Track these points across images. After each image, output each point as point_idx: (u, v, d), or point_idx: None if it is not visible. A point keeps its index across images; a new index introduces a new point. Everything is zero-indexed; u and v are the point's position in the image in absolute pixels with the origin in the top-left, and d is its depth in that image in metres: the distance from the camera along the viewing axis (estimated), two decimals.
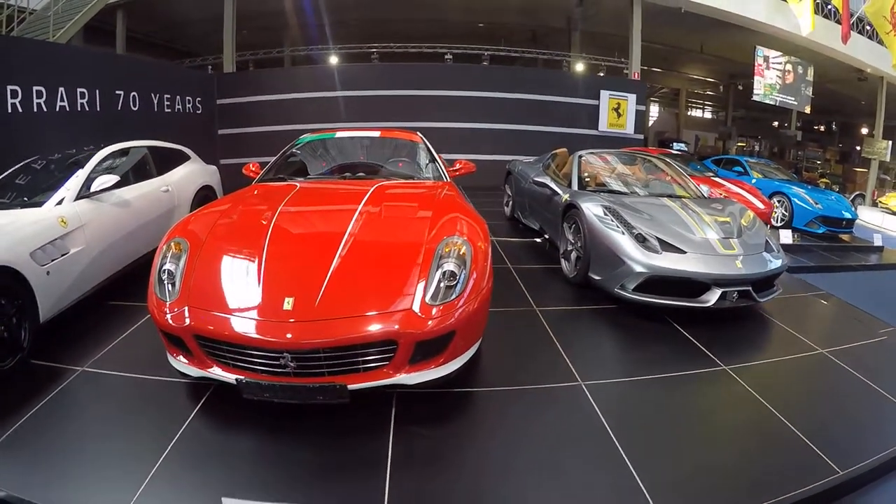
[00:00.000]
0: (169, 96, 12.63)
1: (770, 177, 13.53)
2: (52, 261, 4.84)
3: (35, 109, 8.59)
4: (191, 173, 7.91)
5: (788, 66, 21.08)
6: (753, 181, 12.80)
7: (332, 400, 3.21)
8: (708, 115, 39.82)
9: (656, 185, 6.98)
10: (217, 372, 3.39)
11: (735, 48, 22.31)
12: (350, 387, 3.17)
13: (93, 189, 5.65)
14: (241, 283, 3.49)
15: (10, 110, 8.10)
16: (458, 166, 6.06)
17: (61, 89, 9.13)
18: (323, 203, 4.78)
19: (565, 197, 6.58)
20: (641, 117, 16.84)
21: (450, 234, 3.75)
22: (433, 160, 5.88)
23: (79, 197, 5.53)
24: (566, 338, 4.73)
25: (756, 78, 20.54)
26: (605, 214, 5.56)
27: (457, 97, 15.62)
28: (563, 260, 6.54)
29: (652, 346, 4.79)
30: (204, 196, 7.94)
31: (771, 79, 20.83)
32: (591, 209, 5.73)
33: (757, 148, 34.35)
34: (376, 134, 6.68)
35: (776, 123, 33.56)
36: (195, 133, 11.54)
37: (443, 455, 3.28)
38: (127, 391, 4.07)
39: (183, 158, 7.98)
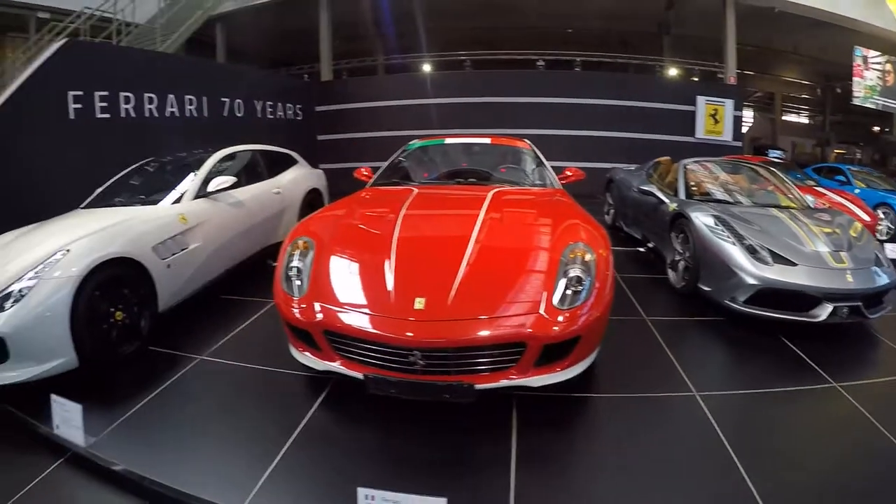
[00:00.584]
0: (271, 103, 13.12)
1: (874, 187, 12.77)
2: (173, 255, 5.21)
3: (146, 115, 9.12)
4: (299, 176, 8.22)
5: (889, 67, 19.73)
6: (857, 191, 12.06)
7: (458, 399, 3.26)
8: (804, 119, 37.91)
9: (761, 195, 6.77)
10: (342, 367, 3.52)
11: (831, 48, 21.18)
12: (477, 386, 3.23)
13: (210, 189, 6.00)
14: (371, 282, 3.61)
15: (122, 115, 8.61)
16: (568, 174, 6.07)
17: (171, 96, 9.64)
18: (444, 207, 4.90)
19: (672, 206, 6.50)
20: (739, 123, 16.16)
21: (574, 240, 3.81)
22: (543, 167, 5.94)
23: (197, 196, 5.90)
24: (677, 348, 4.71)
25: (855, 80, 19.39)
26: (716, 225, 5.48)
27: (550, 104, 15.49)
28: (669, 270, 6.49)
29: (761, 359, 4.69)
30: (312, 199, 8.27)
31: (871, 80, 19.63)
32: (702, 219, 5.65)
33: (858, 155, 32.74)
34: (486, 140, 6.70)
35: (878, 128, 31.64)
36: (297, 138, 11.90)
37: (563, 457, 3.34)
38: (246, 380, 4.32)
39: (291, 162, 8.31)
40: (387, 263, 3.66)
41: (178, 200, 5.79)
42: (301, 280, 3.77)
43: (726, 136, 15.77)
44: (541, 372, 3.37)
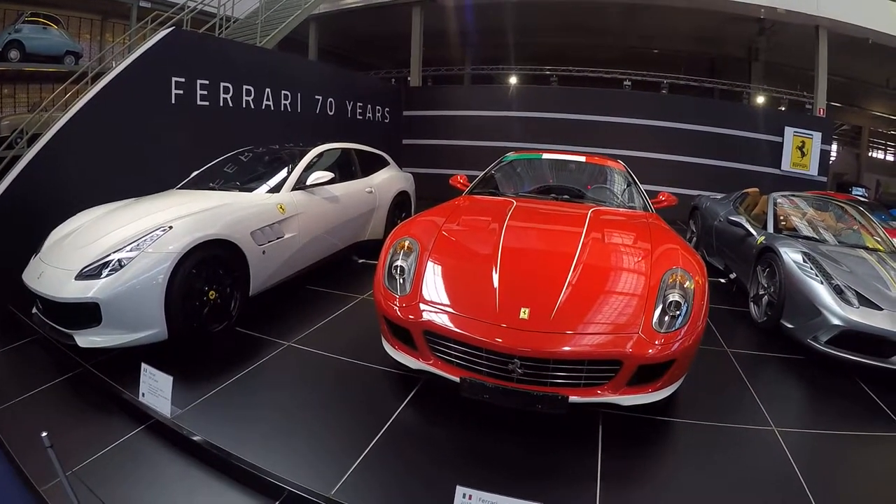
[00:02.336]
0: (361, 104, 13.32)
1: None
2: (269, 242, 5.37)
3: (243, 106, 9.33)
4: (391, 178, 8.36)
5: None
6: None
7: (550, 410, 3.29)
8: (890, 157, 36.05)
9: (849, 235, 6.54)
10: (437, 368, 3.59)
11: None
12: (570, 399, 3.27)
13: (308, 182, 6.14)
14: (476, 288, 3.67)
15: (221, 104, 8.84)
16: (661, 198, 6.01)
17: (268, 90, 9.86)
18: (545, 222, 4.91)
19: (760, 239, 6.34)
20: (826, 158, 15.32)
21: (673, 265, 3.82)
22: (637, 190, 5.92)
23: (295, 188, 6.04)
24: (758, 382, 4.64)
25: None
26: (805, 262, 5.34)
27: (633, 125, 15.21)
28: (752, 303, 6.29)
29: (838, 400, 4.58)
30: (400, 201, 8.44)
31: None
32: (790, 255, 5.51)
33: None
34: (581, 159, 6.66)
35: None
36: (383, 141, 12.00)
37: (645, 477, 3.35)
38: (333, 370, 4.42)
39: (384, 163, 8.46)
40: (492, 271, 3.74)
41: (276, 190, 5.96)
42: (404, 279, 3.85)
43: (812, 170, 15.03)
44: (632, 391, 3.40)
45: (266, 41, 11.98)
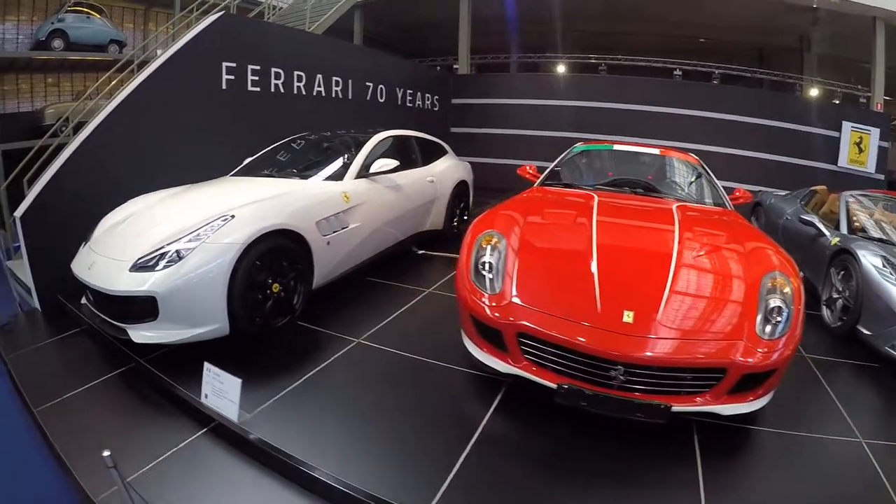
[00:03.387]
0: (411, 92, 13.06)
1: None
2: (334, 232, 5.16)
3: (294, 92, 9.12)
4: (451, 167, 8.12)
5: None
6: None
7: (650, 419, 3.13)
8: None
9: None
10: (530, 373, 3.40)
11: None
12: (673, 408, 3.12)
13: (372, 170, 5.91)
14: (574, 288, 3.46)
15: (272, 90, 8.64)
16: (737, 194, 5.79)
17: (319, 76, 9.63)
18: (634, 218, 4.69)
19: (834, 240, 6.02)
20: (884, 155, 14.50)
21: (771, 268, 3.64)
22: (715, 185, 5.72)
23: (358, 176, 5.81)
24: (838, 389, 4.37)
25: None
26: (884, 266, 5.02)
27: (684, 115, 14.76)
28: (824, 307, 5.91)
29: None
30: (460, 191, 8.18)
31: None
32: (869, 258, 5.19)
33: None
34: (655, 151, 6.43)
35: None
36: (432, 129, 11.54)
37: (745, 488, 3.16)
38: (408, 371, 4.20)
39: (442, 152, 8.22)
40: (589, 270, 3.54)
41: (338, 178, 5.75)
42: (493, 276, 3.62)
43: (869, 167, 14.24)
44: (732, 401, 3.24)
45: (315, 27, 11.83)
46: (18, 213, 5.46)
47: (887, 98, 21.31)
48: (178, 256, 4.11)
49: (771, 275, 3.54)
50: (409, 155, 7.24)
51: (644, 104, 14.83)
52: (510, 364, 3.44)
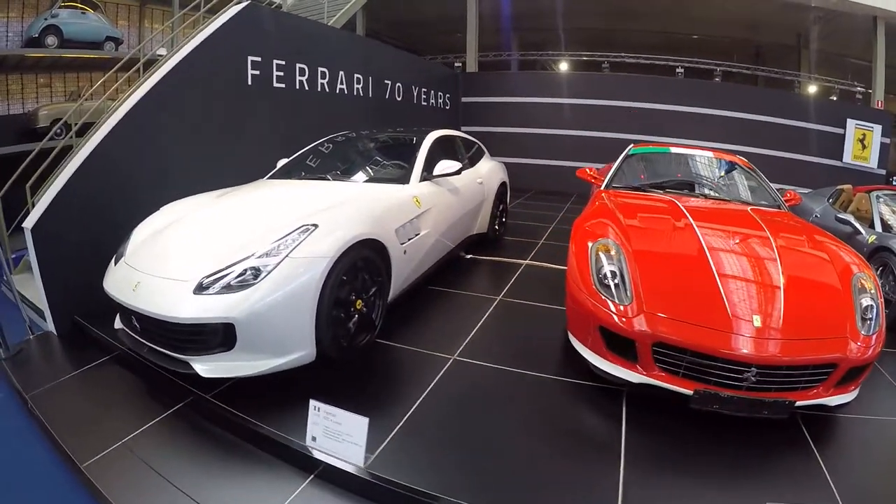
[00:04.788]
0: (425, 90, 12.47)
1: None
2: (409, 240, 4.59)
3: (318, 89, 8.41)
4: (493, 168, 7.52)
5: None
6: None
7: (775, 415, 3.19)
8: None
9: None
10: (664, 381, 3.31)
11: None
12: (797, 403, 3.18)
13: (435, 172, 5.33)
14: (701, 295, 3.42)
15: (297, 86, 7.94)
16: (788, 196, 5.64)
17: (341, 73, 8.94)
18: (724, 223, 4.55)
19: (871, 238, 6.06)
20: (886, 151, 14.44)
21: (855, 269, 3.74)
22: (770, 187, 5.68)
23: (422, 179, 5.22)
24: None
25: None
26: None
27: (692, 114, 14.52)
28: None
29: None
30: (501, 192, 7.58)
31: None
32: None
33: None
34: (709, 154, 6.37)
35: None
36: (444, 127, 11.01)
37: (869, 472, 3.20)
38: (520, 388, 3.81)
39: (482, 152, 7.57)
40: (711, 277, 3.53)
41: (402, 181, 5.11)
42: (620, 286, 3.49)
43: (872, 162, 14.13)
44: (838, 392, 3.32)
45: (333, 21, 11.02)
46: (29, 223, 4.63)
47: (892, 95, 21.45)
48: (256, 274, 3.38)
49: (859, 276, 3.65)
50: (457, 156, 6.55)
51: (657, 102, 14.56)
52: (642, 373, 3.35)
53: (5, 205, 5.99)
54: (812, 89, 19.65)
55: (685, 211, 4.49)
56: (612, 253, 3.68)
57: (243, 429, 3.26)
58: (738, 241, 4.14)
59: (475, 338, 4.50)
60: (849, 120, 14.25)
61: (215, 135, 6.37)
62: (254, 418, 3.27)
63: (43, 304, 4.77)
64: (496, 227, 7.59)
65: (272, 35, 7.32)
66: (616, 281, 3.50)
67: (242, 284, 3.32)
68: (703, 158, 6.35)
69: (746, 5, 16.92)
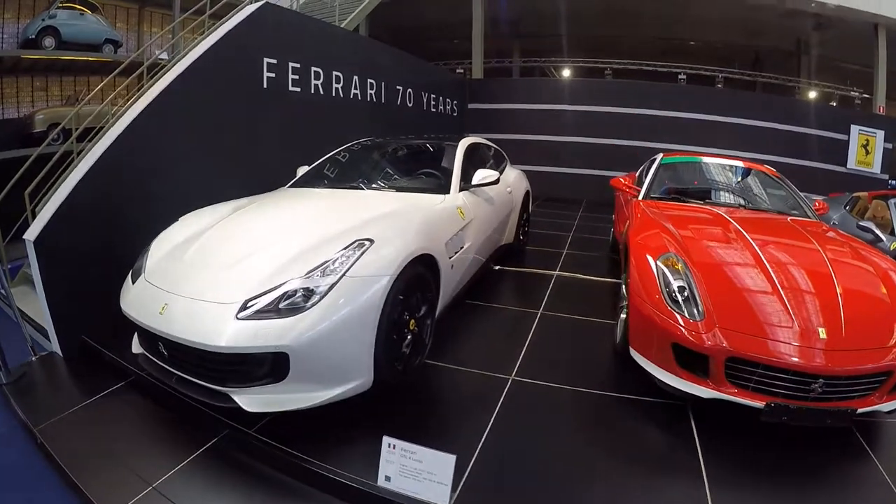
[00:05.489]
0: (435, 96, 12.12)
1: None
2: (455, 254, 4.29)
3: (333, 94, 7.99)
4: (518, 176, 7.18)
5: None
6: None
7: (837, 423, 3.20)
8: None
9: None
10: (736, 395, 3.26)
11: None
12: (858, 411, 3.19)
13: (474, 182, 5.01)
14: (767, 309, 3.39)
15: (312, 90, 7.50)
16: (817, 206, 5.70)
17: (355, 77, 8.54)
18: (773, 234, 4.58)
19: (893, 245, 6.13)
20: (888, 156, 14.71)
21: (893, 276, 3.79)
22: (799, 197, 5.69)
23: (461, 189, 4.89)
24: None
25: None
26: None
27: (699, 120, 14.40)
28: None
29: None
30: (526, 201, 7.31)
31: None
32: None
33: None
34: (739, 164, 6.40)
35: None
36: (451, 134, 10.67)
37: None
38: (587, 409, 3.64)
39: (505, 160, 7.21)
40: (776, 290, 3.52)
41: (443, 191, 4.75)
42: (691, 301, 3.44)
43: (875, 167, 14.47)
44: (892, 398, 3.31)
45: (345, 24, 10.55)
46: (31, 235, 4.12)
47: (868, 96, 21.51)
48: (308, 295, 2.96)
49: None
50: (486, 164, 6.19)
51: (664, 109, 14.45)
52: (713, 389, 3.30)
53: (8, 213, 5.55)
54: (812, 95, 19.78)
55: (733, 222, 4.53)
56: (679, 267, 3.65)
57: (297, 468, 2.86)
58: (791, 252, 4.14)
59: (527, 355, 4.27)
60: (852, 126, 14.35)
61: (229, 141, 5.96)
62: (305, 454, 2.88)
63: (46, 322, 4.29)
64: (521, 237, 7.25)
65: (288, 36, 6.91)
66: (685, 296, 3.46)
67: (293, 307, 2.91)
68: (735, 168, 6.35)
69: (747, 12, 16.78)
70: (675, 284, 3.52)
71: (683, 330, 3.32)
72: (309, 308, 2.89)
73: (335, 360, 2.99)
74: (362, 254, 3.16)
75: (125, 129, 4.79)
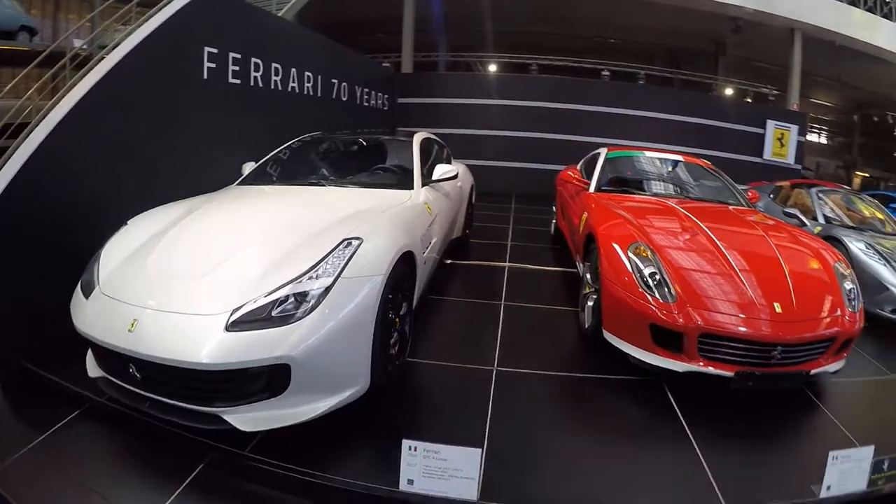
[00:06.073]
0: (367, 90, 11.72)
1: None
2: (426, 250, 4.27)
3: (272, 87, 7.55)
4: (464, 170, 7.08)
5: None
6: None
7: (792, 385, 3.72)
8: (823, 140, 36.57)
9: (877, 224, 7.25)
10: (709, 367, 3.56)
11: (872, 79, 21.40)
12: (811, 372, 3.66)
13: (435, 177, 4.94)
14: (729, 288, 3.75)
15: (251, 83, 7.03)
16: (751, 195, 6.23)
17: (293, 70, 8.10)
18: (720, 222, 4.90)
19: (816, 230, 6.85)
20: (801, 148, 15.94)
21: (832, 256, 4.28)
22: (735, 188, 6.12)
23: (423, 184, 4.80)
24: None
25: None
26: (868, 248, 6.05)
27: (627, 115, 14.70)
28: None
29: None
30: (471, 195, 7.35)
31: None
32: (855, 243, 6.16)
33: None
34: (679, 158, 6.76)
35: None
36: (382, 128, 10.50)
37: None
38: (565, 389, 3.83)
39: (449, 154, 7.09)
40: (734, 272, 3.87)
41: (405, 186, 4.63)
42: (662, 285, 3.74)
43: (790, 158, 15.58)
44: (835, 360, 3.79)
45: (282, 14, 10.07)
46: None
47: (779, 91, 22.59)
48: (300, 300, 2.75)
49: (837, 264, 4.18)
50: (438, 158, 6.10)
51: (591, 104, 14.78)
52: (687, 362, 3.61)
53: None
54: (728, 91, 20.93)
55: (684, 212, 4.94)
56: (648, 255, 3.93)
57: (306, 484, 2.63)
58: (740, 238, 4.55)
59: (503, 345, 4.35)
60: (769, 121, 15.40)
61: (171, 135, 5.49)
62: (310, 469, 2.67)
63: None
64: (467, 230, 7.23)
65: (229, 24, 6.52)
66: (657, 280, 3.75)
67: (288, 314, 2.69)
68: (675, 162, 6.70)
69: (671, 15, 17.38)
70: (647, 271, 3.81)
71: (659, 312, 3.61)
72: (306, 314, 2.69)
73: (337, 366, 2.83)
74: (353, 253, 3.00)
75: (56, 125, 4.18)
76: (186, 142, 5.69)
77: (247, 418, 2.67)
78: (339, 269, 2.88)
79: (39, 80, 6.49)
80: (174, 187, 4.52)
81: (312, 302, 2.73)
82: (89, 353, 3.15)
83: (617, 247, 4.08)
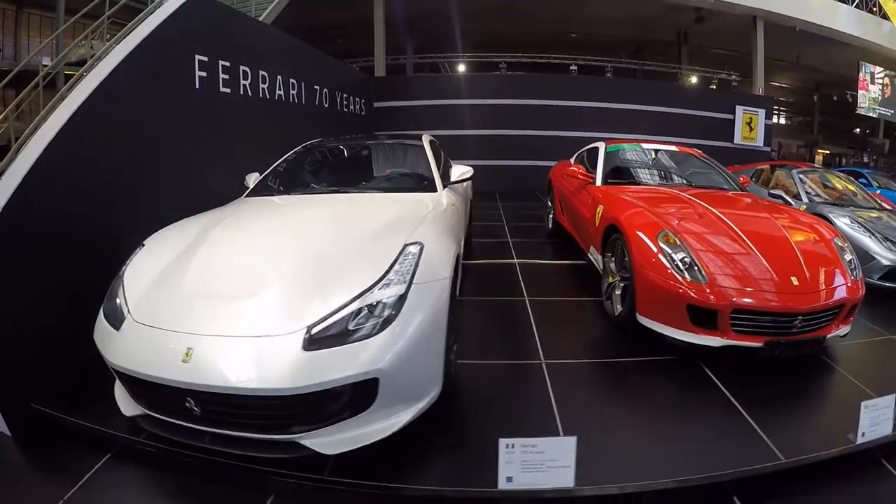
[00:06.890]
0: (346, 96, 11.53)
1: (890, 188, 12.63)
2: (461, 250, 4.29)
3: (260, 95, 7.31)
4: (464, 168, 6.77)
5: (888, 81, 21.82)
6: (878, 192, 11.31)
7: (812, 349, 4.01)
8: (783, 121, 37.77)
9: (856, 199, 7.56)
10: (741, 340, 3.80)
11: (830, 60, 22.30)
12: (827, 337, 3.97)
13: (454, 178, 4.91)
14: (752, 266, 3.99)
15: (241, 91, 6.77)
16: (742, 180, 6.36)
17: (279, 77, 7.88)
18: (729, 207, 5.09)
19: (801, 208, 7.01)
20: (769, 131, 16.87)
21: (829, 232, 4.59)
22: (728, 174, 6.32)
23: (443, 186, 4.70)
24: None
25: (860, 92, 21.18)
26: (852, 222, 6.37)
27: (602, 109, 14.89)
28: None
29: None
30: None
31: (874, 93, 21.53)
32: (840, 219, 6.45)
33: (866, 158, 30.33)
34: (673, 148, 6.97)
35: (857, 131, 33.64)
36: (361, 133, 10.58)
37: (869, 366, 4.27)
38: (614, 375, 3.98)
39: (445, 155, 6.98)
40: (753, 252, 4.11)
41: (429, 189, 4.55)
42: (694, 268, 3.93)
43: (759, 141, 16.49)
44: (844, 324, 4.09)
45: (262, 18, 9.74)
46: None
47: (742, 78, 23.02)
48: (379, 310, 2.60)
49: (834, 239, 4.47)
50: (444, 159, 5.99)
51: (565, 99, 14.94)
52: (722, 337, 3.83)
53: None
54: (693, 80, 21.47)
55: (694, 199, 5.13)
56: (676, 241, 4.13)
57: (400, 499, 2.57)
58: (749, 220, 4.75)
59: (542, 339, 4.36)
60: (737, 106, 16.06)
61: (169, 148, 5.19)
62: (397, 482, 2.56)
63: None
64: (469, 229, 7.08)
65: (218, 31, 6.27)
66: (688, 264, 3.95)
67: (363, 327, 2.53)
68: (672, 152, 6.89)
69: (634, 7, 17.73)
70: (678, 256, 4.01)
71: (695, 293, 3.81)
72: (387, 324, 2.56)
73: (418, 373, 2.72)
74: (419, 258, 2.90)
75: (49, 143, 3.67)
76: (184, 153, 5.42)
77: (330, 441, 2.50)
78: (410, 276, 2.76)
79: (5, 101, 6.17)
80: (178, 199, 4.40)
81: (389, 311, 2.59)
82: (119, 389, 2.89)
83: (643, 235, 4.28)
